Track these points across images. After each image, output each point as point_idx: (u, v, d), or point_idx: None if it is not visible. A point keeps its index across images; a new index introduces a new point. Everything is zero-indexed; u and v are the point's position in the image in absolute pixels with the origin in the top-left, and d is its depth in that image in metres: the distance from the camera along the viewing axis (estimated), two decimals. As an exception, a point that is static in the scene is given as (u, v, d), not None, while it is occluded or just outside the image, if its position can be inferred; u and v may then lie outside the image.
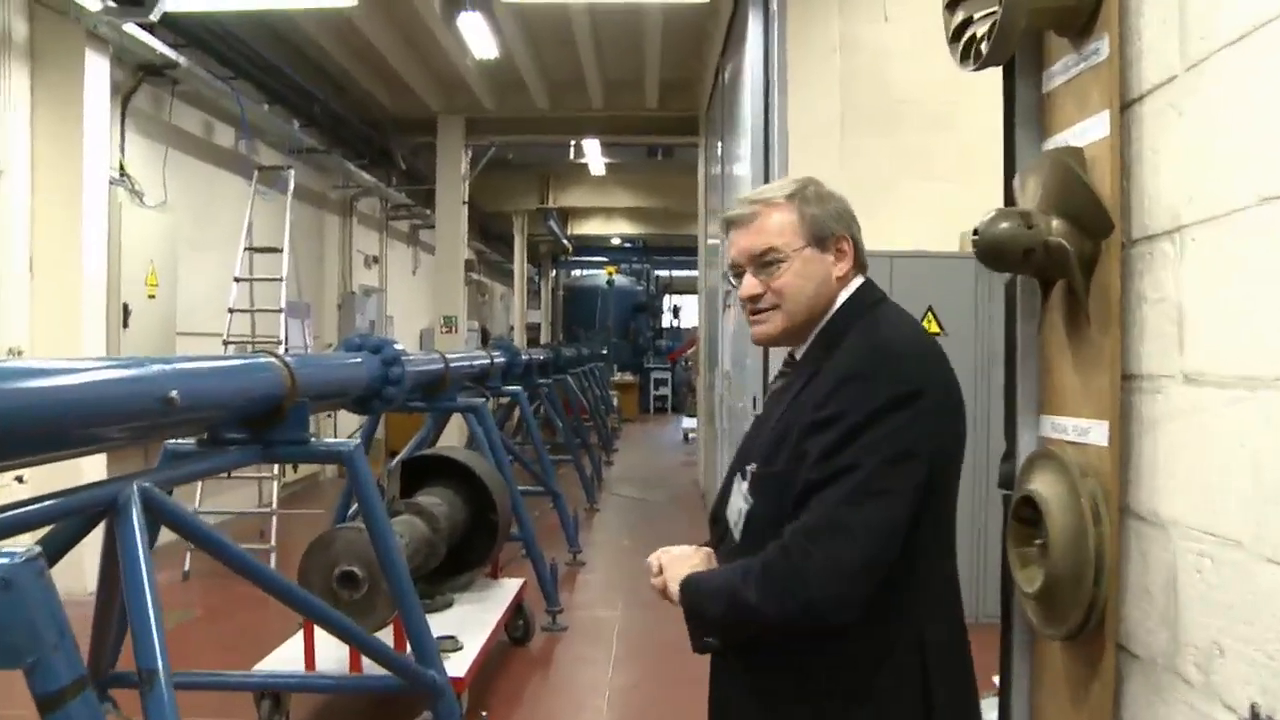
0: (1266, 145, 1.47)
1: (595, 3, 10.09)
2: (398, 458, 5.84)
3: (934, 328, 5.94)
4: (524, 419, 9.50)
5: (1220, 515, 1.58)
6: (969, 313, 6.06)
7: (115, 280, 7.63)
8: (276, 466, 8.41)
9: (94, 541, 2.81)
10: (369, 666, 3.91)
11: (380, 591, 4.07)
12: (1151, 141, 1.79)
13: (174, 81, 8.61)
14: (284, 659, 4.47)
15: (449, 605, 5.46)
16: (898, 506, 1.72)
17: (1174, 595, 1.70)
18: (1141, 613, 1.80)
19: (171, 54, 8.08)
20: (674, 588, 1.91)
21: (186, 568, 7.51)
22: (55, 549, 2.55)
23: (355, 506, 4.46)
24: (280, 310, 9.10)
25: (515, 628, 6.04)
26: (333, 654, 4.23)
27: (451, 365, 5.97)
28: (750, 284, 1.91)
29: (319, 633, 4.02)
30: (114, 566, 2.53)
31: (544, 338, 26.17)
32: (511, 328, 23.99)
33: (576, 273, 31.12)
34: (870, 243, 2.00)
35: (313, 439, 3.53)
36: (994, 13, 1.93)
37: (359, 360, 4.33)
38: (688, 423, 18.91)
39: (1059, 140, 2.04)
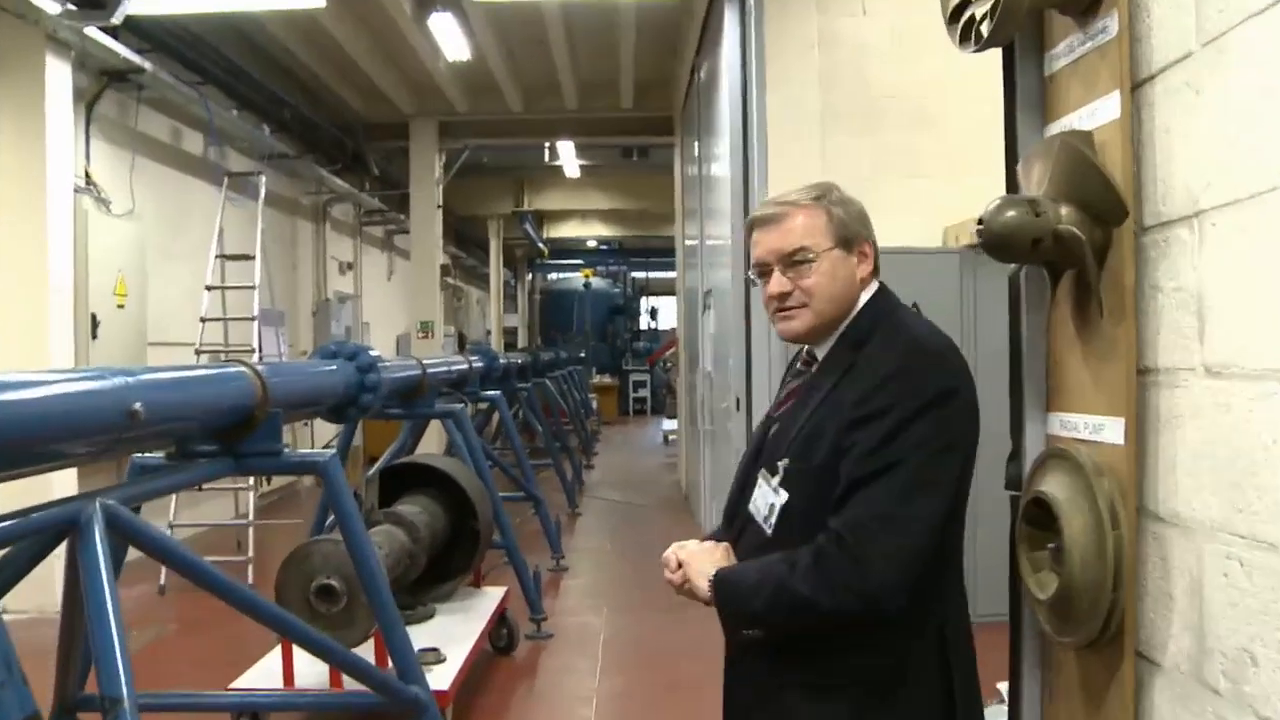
0: (1296, 122, 1.38)
1: (568, 2, 10.00)
2: (375, 466, 5.72)
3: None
4: (503, 424, 9.39)
5: (1250, 516, 1.49)
6: (954, 309, 5.97)
7: (82, 290, 7.47)
8: (253, 477, 8.26)
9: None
10: (350, 683, 3.78)
11: (360, 604, 3.95)
12: (1164, 123, 1.70)
13: (139, 87, 8.44)
14: (262, 675, 4.34)
15: (431, 616, 5.34)
16: (943, 498, 1.81)
17: (1199, 600, 1.61)
18: (1162, 618, 1.71)
19: (136, 59, 7.92)
20: (701, 583, 1.93)
21: (163, 581, 7.35)
22: (14, 572, 2.42)
23: (333, 518, 4.34)
24: (253, 318, 8.95)
25: (499, 637, 5.92)
26: (313, 668, 4.09)
27: (429, 371, 5.85)
28: (780, 282, 1.95)
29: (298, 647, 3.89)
30: (78, 586, 2.40)
31: (521, 342, 26.04)
32: (489, 332, 23.87)
33: (553, 276, 31.02)
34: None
35: (287, 449, 3.41)
36: (995, -9, 1.84)
37: (334, 368, 4.20)
38: (668, 424, 18.84)
39: (1063, 125, 1.95)
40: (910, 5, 6.37)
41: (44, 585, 4.05)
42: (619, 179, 19.97)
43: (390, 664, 3.63)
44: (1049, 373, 2.03)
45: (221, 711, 4.21)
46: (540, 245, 24.05)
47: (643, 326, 31.12)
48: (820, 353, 2.00)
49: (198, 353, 8.53)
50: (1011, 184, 2.07)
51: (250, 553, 7.81)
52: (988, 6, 1.87)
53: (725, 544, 2.01)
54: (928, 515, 1.78)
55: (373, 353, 4.41)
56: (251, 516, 8.33)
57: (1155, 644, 1.72)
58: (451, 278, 19.58)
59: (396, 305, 17.55)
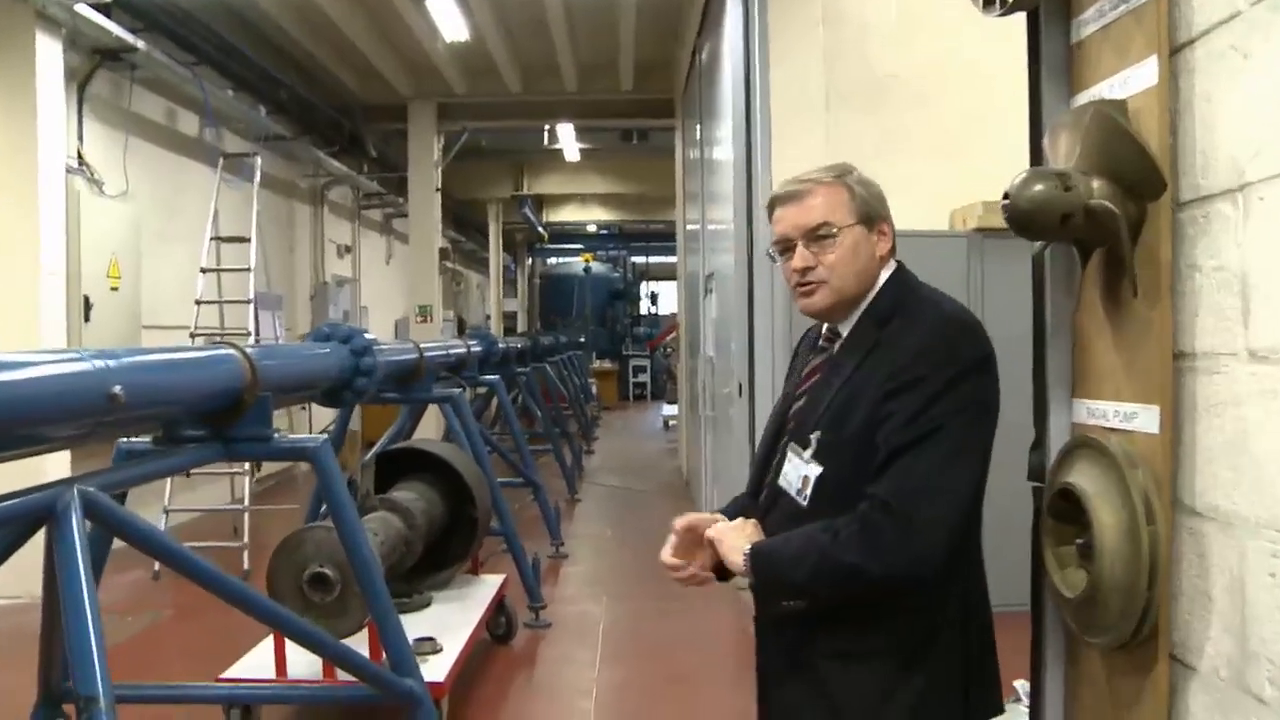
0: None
1: (568, -19, 9.87)
2: (371, 452, 5.62)
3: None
4: (502, 409, 9.29)
5: (1299, 511, 1.39)
6: (961, 295, 5.77)
7: (75, 273, 7.36)
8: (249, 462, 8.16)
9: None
10: (343, 674, 3.69)
11: (354, 593, 3.85)
12: (1205, 90, 1.59)
13: (133, 66, 8.32)
14: (254, 664, 4.25)
15: (427, 604, 5.25)
16: (980, 462, 1.89)
17: (1241, 601, 1.50)
18: (1199, 620, 1.60)
19: (129, 38, 7.79)
20: (736, 558, 1.95)
21: (157, 567, 7.25)
22: (-12, 562, 2.32)
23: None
24: (249, 301, 8.85)
25: (497, 626, 5.83)
26: (306, 657, 3.98)
27: (426, 355, 5.75)
28: (803, 256, 1.99)
29: (291, 636, 3.79)
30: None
31: (521, 327, 25.94)
32: (488, 317, 23.77)
33: (553, 260, 30.89)
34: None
35: (278, 434, 3.31)
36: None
37: (327, 350, 4.10)
38: (668, 410, 18.76)
39: (1091, 95, 1.84)
40: (913, -18, 6.26)
41: (33, 570, 3.96)
42: (619, 163, 19.84)
43: (384, 656, 3.54)
44: (1074, 357, 1.92)
45: (211, 704, 4.12)
46: (540, 230, 23.93)
47: (643, 311, 31.02)
48: (844, 329, 2.04)
49: (193, 336, 8.42)
50: (1035, 157, 1.96)
51: (246, 538, 7.71)
52: (1014, -33, 1.76)
53: (754, 521, 2.03)
54: (969, 480, 1.85)
55: (368, 335, 4.32)
56: (247, 501, 8.23)
57: (1191, 647, 1.62)
58: (450, 262, 19.47)
59: (395, 289, 17.44)
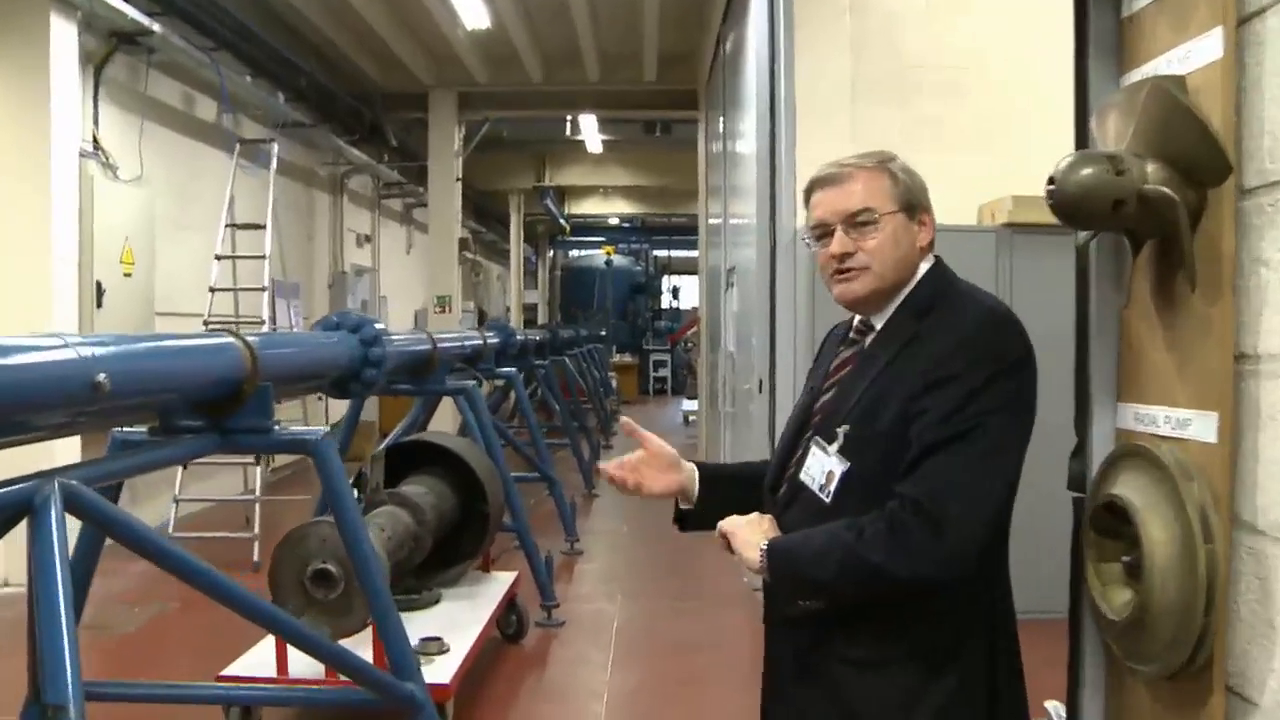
0: None
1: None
2: (382, 445, 5.51)
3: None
4: (519, 402, 9.17)
5: (1381, 533, 1.24)
6: (988, 289, 5.72)
7: (88, 258, 7.27)
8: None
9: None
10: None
11: (358, 590, 3.73)
12: (1277, 65, 1.44)
13: (149, 50, 8.19)
14: (256, 661, 4.14)
15: (436, 602, 5.12)
16: (1016, 464, 1.78)
17: (1308, 630, 1.36)
18: (1260, 649, 1.45)
19: (145, 21, 7.68)
20: (751, 554, 1.87)
21: (165, 558, 7.18)
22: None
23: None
24: (264, 289, 8.75)
25: (507, 624, 5.70)
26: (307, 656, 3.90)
27: (440, 346, 5.63)
28: (842, 241, 1.90)
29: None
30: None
31: (541, 318, 25.84)
32: (508, 309, 23.68)
33: (574, 253, 30.80)
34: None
35: (280, 425, 3.18)
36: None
37: (334, 340, 3.98)
38: (687, 405, 18.61)
39: (1145, 72, 1.69)
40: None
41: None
42: (641, 155, 19.71)
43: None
44: (1120, 358, 1.78)
45: (208, 704, 4.01)
46: (561, 222, 23.81)
47: (664, 305, 30.86)
48: (878, 322, 1.94)
49: (206, 323, 8.34)
50: (1081, 141, 1.81)
51: (257, 529, 7.61)
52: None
53: (769, 516, 1.95)
54: (1003, 482, 1.76)
55: (378, 325, 4.19)
56: (259, 492, 8.14)
57: (1250, 679, 1.47)
58: (470, 252, 19.38)
59: (415, 279, 17.34)
